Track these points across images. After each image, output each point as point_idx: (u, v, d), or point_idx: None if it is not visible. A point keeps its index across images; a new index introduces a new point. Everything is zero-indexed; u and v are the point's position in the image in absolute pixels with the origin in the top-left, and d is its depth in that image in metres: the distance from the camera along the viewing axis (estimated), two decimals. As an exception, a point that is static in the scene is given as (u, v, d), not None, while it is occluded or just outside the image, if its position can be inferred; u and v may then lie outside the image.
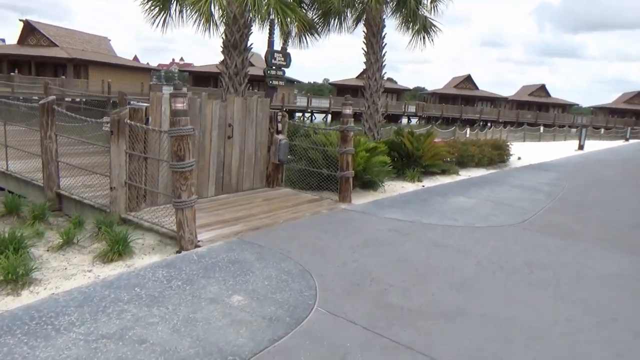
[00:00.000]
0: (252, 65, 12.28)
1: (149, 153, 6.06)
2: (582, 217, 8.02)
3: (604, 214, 8.46)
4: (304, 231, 6.00)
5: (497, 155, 13.80)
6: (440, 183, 10.41)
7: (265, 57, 9.22)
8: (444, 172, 11.33)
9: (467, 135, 20.61)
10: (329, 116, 53.31)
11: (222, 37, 10.50)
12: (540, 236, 6.58)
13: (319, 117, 53.58)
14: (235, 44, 10.17)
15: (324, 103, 53.36)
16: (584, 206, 9.03)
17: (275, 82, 8.22)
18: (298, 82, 65.85)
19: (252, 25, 10.58)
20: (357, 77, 65.89)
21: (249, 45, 10.46)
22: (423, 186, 9.93)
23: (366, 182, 8.83)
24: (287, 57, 9.74)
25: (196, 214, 5.25)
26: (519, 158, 16.02)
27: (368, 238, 5.87)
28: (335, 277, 4.58)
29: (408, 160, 10.79)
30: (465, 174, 11.88)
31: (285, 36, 11.60)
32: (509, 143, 15.17)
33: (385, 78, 12.93)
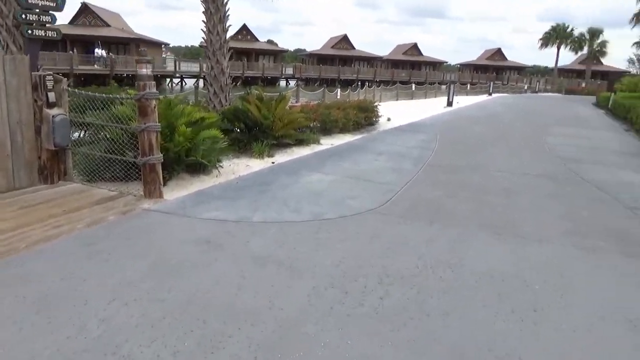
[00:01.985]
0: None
1: None
2: (453, 187, 6.80)
3: (475, 179, 7.36)
4: (53, 263, 3.81)
5: (364, 118, 12.47)
6: (296, 157, 8.67)
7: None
8: (301, 143, 9.62)
9: (338, 97, 19.29)
10: (201, 81, 49.40)
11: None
12: (404, 225, 5.10)
13: (190, 83, 49.44)
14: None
15: (194, 67, 49.23)
16: (454, 172, 7.90)
17: (38, 33, 5.59)
18: (166, 44, 60.14)
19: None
20: (232, 38, 62.14)
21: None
22: (273, 163, 8.11)
23: (193, 165, 6.76)
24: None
25: None
26: (389, 119, 14.97)
27: (158, 261, 3.87)
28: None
29: (256, 131, 8.87)
30: (327, 143, 10.30)
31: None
32: (377, 104, 13.93)
33: (228, 35, 10.70)
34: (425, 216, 5.44)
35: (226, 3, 10.50)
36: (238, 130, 8.97)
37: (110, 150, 6.04)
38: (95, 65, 41.62)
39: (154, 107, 5.43)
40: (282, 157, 8.57)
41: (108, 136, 6.24)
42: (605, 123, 19.33)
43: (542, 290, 3.71)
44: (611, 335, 3.14)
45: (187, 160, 6.50)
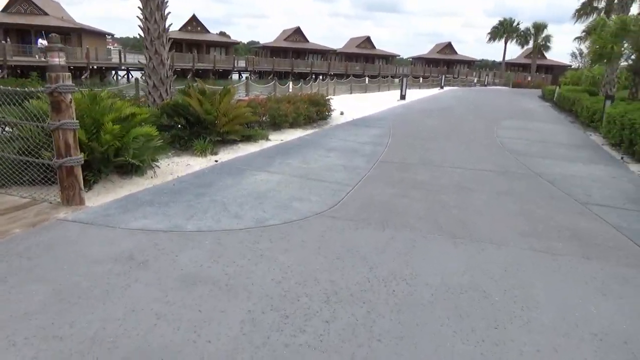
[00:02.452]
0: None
1: None
2: (406, 186, 6.47)
3: (429, 176, 7.07)
4: None
5: (316, 113, 12.01)
6: (242, 154, 8.11)
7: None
8: (249, 139, 9.06)
9: (290, 90, 18.75)
10: (149, 74, 47.50)
11: None
12: (355, 230, 4.69)
13: (137, 75, 47.37)
14: None
15: (142, 59, 47.11)
16: (407, 169, 7.59)
17: None
18: (111, 34, 57.43)
19: None
20: (182, 29, 60.10)
21: None
22: (216, 161, 7.52)
23: (125, 166, 6.09)
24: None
25: None
26: (342, 113, 14.60)
27: (63, 287, 3.27)
28: None
29: (199, 128, 8.24)
30: (277, 139, 9.79)
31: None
32: (329, 97, 13.51)
33: (169, 24, 9.94)
34: (378, 219, 5.05)
35: (165, -13, 9.73)
36: (179, 126, 8.31)
37: (24, 151, 5.30)
38: (36, 57, 39.03)
39: (70, 102, 4.75)
40: (226, 155, 7.99)
41: (21, 135, 5.48)
42: (552, 116, 19.77)
43: (502, 303, 3.39)
44: (577, 355, 2.83)
45: (115, 161, 5.83)
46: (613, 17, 16.11)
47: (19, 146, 5.42)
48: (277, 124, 10.59)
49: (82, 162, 4.94)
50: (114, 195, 5.51)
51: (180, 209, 5.05)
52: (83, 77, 39.99)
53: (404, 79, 23.31)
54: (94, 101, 5.90)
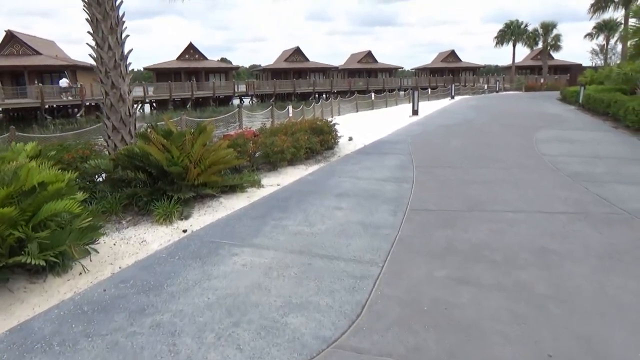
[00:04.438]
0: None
1: None
2: (460, 257, 4.29)
3: (487, 234, 4.88)
4: None
5: (320, 143, 9.91)
6: (223, 215, 5.98)
7: None
8: (234, 189, 6.95)
9: (290, 114, 16.69)
10: (146, 106, 46.01)
11: None
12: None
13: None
14: None
15: (138, 91, 45.75)
16: (451, 222, 5.41)
17: None
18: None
19: None
20: (179, 58, 58.91)
21: None
22: (185, 231, 5.40)
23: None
24: None
25: None
26: (350, 139, 12.48)
27: None
28: None
29: (163, 183, 6.15)
30: (271, 183, 7.67)
31: None
32: (334, 121, 11.40)
33: (126, 53, 7.95)
34: (435, 351, 2.88)
35: (119, 6, 7.78)
36: (136, 183, 6.23)
37: None
38: (63, 97, 37.62)
39: None
40: (201, 218, 5.87)
41: None
42: (587, 121, 17.49)
43: None
44: None
45: (8, 263, 3.74)
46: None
47: None
48: (273, 163, 8.50)
49: None
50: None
51: (97, 354, 2.92)
52: (78, 114, 38.47)
53: (415, 92, 21.15)
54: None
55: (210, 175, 6.33)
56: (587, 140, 12.32)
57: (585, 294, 3.63)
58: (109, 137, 7.76)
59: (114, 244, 5.03)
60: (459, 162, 9.36)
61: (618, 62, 37.67)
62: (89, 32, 7.70)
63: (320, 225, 5.40)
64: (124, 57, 7.83)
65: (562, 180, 7.55)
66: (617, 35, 49.15)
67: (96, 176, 6.94)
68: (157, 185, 6.10)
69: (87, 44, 7.67)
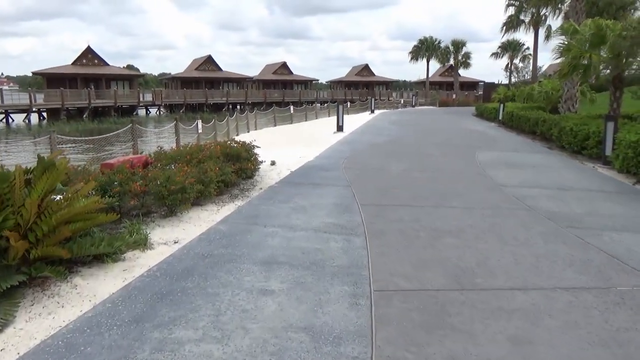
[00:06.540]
0: None
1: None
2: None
3: (500, 345, 2.99)
4: None
5: (235, 173, 7.62)
6: (69, 317, 3.53)
7: None
8: (101, 259, 4.48)
9: (200, 131, 14.10)
10: (33, 115, 40.35)
11: None
12: None
13: (18, 119, 40.05)
14: None
15: (24, 99, 40.13)
16: (440, 314, 3.44)
17: None
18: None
19: None
20: (75, 63, 53.03)
21: None
22: (-18, 371, 2.94)
23: None
24: None
25: None
26: (273, 163, 10.29)
27: None
28: None
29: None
30: (166, 239, 5.27)
31: None
32: (253, 143, 9.14)
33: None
34: None
35: None
36: None
37: None
38: None
39: None
40: (29, 326, 3.38)
41: None
42: (517, 141, 16.82)
43: None
44: None
45: None
46: (588, 21, 13.41)
47: None
48: (171, 204, 6.08)
49: None
50: None
51: None
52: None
53: (340, 107, 19.40)
54: None
55: (52, 247, 3.83)
56: (535, 164, 11.24)
57: None
58: None
59: None
60: (411, 197, 7.56)
61: (529, 79, 39.28)
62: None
63: (239, 340, 3.17)
64: None
65: (547, 228, 5.96)
66: (520, 55, 52.05)
67: None
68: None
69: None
